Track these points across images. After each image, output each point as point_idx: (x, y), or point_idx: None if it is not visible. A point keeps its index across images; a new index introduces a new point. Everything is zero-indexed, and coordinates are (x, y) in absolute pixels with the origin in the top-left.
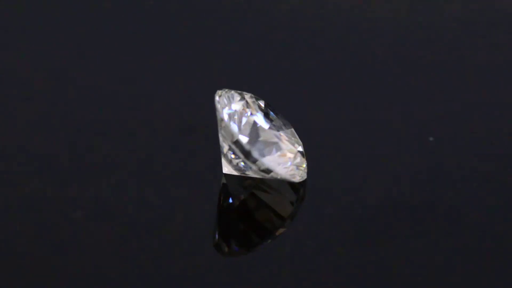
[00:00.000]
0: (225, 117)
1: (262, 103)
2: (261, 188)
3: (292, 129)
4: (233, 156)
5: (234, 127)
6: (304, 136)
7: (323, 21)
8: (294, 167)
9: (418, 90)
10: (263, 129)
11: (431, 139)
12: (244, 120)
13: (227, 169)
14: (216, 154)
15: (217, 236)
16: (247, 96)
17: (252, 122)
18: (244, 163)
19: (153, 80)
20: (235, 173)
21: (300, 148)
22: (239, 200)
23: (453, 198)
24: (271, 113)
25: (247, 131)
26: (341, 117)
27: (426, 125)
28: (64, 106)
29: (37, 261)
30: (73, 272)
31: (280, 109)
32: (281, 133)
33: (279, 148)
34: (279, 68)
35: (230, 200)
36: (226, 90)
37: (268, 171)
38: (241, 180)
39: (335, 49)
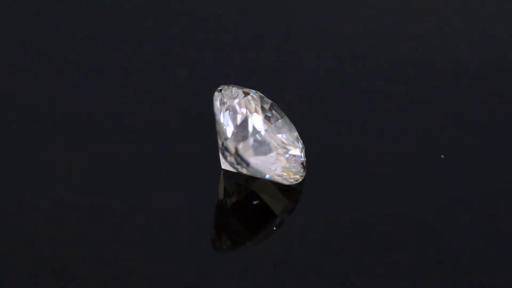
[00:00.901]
0: (220, 114)
1: (267, 104)
2: (258, 187)
3: (296, 133)
4: (227, 153)
5: (226, 125)
6: (306, 138)
7: (332, 22)
8: (287, 170)
9: (419, 91)
10: (257, 130)
11: (442, 156)
12: (239, 118)
13: (224, 165)
14: (217, 149)
15: (213, 232)
16: (252, 94)
17: (247, 122)
18: (236, 161)
19: (159, 75)
20: (232, 169)
21: (297, 152)
22: (235, 197)
23: (453, 205)
24: (276, 114)
25: (240, 130)
26: (345, 121)
27: (427, 129)
28: (60, 101)
29: (35, 258)
30: (71, 268)
31: (287, 110)
32: (280, 135)
33: (269, 150)
34: (299, 68)
35: (227, 197)
36: (230, 86)
37: (258, 172)
38: (239, 177)
39: (348, 51)
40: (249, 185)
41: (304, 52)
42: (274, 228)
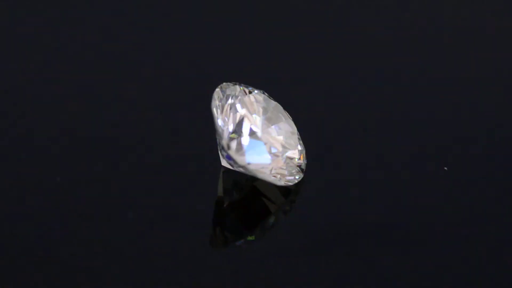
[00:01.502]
0: (218, 112)
1: (271, 105)
2: (257, 187)
3: (297, 136)
4: (224, 152)
5: (224, 123)
6: (309, 140)
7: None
8: (282, 171)
9: (419, 93)
10: (253, 131)
11: (445, 168)
12: (238, 118)
13: (224, 162)
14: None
15: (211, 229)
16: (255, 93)
17: (245, 122)
18: (233, 160)
19: (162, 72)
20: (231, 167)
21: (295, 155)
22: (234, 196)
23: (450, 209)
24: (279, 115)
25: (237, 129)
26: (347, 123)
27: (426, 133)
28: (60, 100)
29: (34, 257)
30: (70, 265)
31: (292, 111)
32: (280, 137)
33: (265, 151)
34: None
35: (225, 194)
36: (233, 83)
37: (252, 171)
38: (238, 175)
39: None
40: (248, 185)
41: (313, 54)
42: (267, 227)
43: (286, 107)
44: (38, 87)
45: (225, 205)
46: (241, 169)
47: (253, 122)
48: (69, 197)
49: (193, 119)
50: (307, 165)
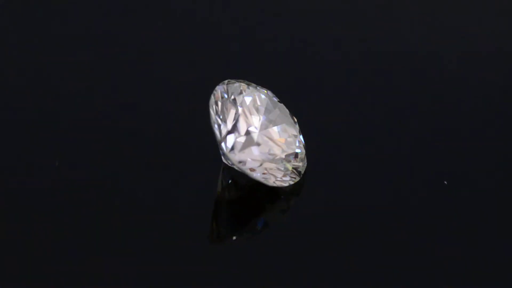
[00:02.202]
0: (215, 109)
1: (275, 106)
2: (256, 185)
3: (298, 138)
4: (219, 149)
5: (219, 120)
6: (311, 143)
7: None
8: (275, 172)
9: (419, 90)
10: (249, 131)
11: (445, 182)
12: (235, 117)
13: (223, 159)
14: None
15: (209, 223)
16: (261, 93)
17: (242, 121)
18: (227, 157)
19: (167, 71)
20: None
21: (291, 157)
22: (232, 193)
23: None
24: (282, 116)
25: (232, 128)
26: (350, 127)
27: (428, 138)
28: (62, 100)
29: (32, 252)
30: (68, 260)
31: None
32: (279, 138)
33: (260, 152)
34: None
35: (224, 192)
36: (238, 81)
37: (244, 170)
38: (238, 173)
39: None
40: (247, 183)
41: (319, 58)
42: (264, 226)
43: (293, 111)
44: (39, 89)
45: (223, 202)
46: (235, 167)
47: (251, 121)
48: (68, 194)
49: (195, 115)
50: (307, 167)
